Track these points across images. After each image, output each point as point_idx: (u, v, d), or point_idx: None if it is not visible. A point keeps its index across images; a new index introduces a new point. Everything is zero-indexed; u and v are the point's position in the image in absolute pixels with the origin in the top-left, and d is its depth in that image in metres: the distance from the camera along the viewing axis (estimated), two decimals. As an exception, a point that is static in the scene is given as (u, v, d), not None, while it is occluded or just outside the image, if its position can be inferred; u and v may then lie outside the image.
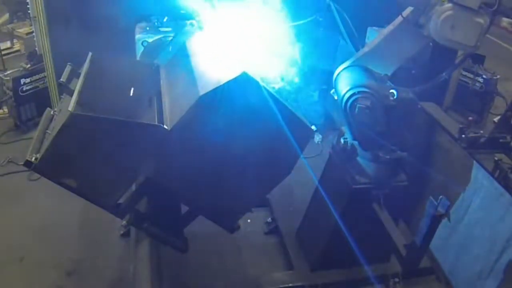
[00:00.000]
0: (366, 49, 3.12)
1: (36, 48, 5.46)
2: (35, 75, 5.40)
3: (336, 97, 3.14)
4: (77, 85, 2.51)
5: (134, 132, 2.34)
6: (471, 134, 3.45)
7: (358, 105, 2.93)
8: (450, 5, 2.60)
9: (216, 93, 2.27)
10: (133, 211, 2.71)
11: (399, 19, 2.87)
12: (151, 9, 4.83)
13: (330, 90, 3.27)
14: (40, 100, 5.38)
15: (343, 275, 3.55)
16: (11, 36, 7.17)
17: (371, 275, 3.43)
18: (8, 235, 3.93)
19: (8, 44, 7.26)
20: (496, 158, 3.23)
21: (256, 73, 2.37)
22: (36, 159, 2.31)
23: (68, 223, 4.08)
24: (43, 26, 4.90)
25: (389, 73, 3.07)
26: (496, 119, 4.97)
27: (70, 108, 2.20)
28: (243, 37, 2.92)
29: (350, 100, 2.96)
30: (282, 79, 2.80)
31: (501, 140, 3.39)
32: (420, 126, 3.89)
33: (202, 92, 2.28)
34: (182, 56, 2.88)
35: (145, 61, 3.98)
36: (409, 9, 2.82)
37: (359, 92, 2.93)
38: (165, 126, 2.37)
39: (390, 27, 2.95)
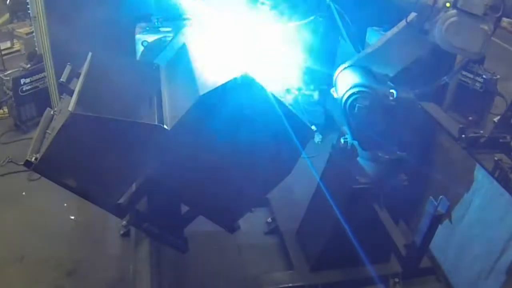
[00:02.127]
0: (368, 50, 3.12)
1: (36, 48, 5.46)
2: (35, 75, 5.40)
3: (336, 95, 3.14)
4: (77, 85, 2.51)
5: (134, 132, 2.34)
6: (471, 134, 3.45)
7: (357, 104, 2.93)
8: (454, 11, 2.60)
9: (216, 93, 2.27)
10: (133, 211, 2.71)
11: (403, 23, 2.86)
12: (151, 9, 4.84)
13: (330, 90, 3.27)
14: (40, 100, 5.38)
15: (343, 275, 3.55)
16: (11, 36, 7.17)
17: (371, 275, 3.43)
18: (8, 235, 3.93)
19: (8, 44, 7.26)
20: (496, 158, 3.23)
21: (256, 73, 2.37)
22: (36, 159, 2.31)
23: (68, 223, 4.08)
24: (43, 26, 4.90)
25: (390, 75, 3.07)
26: (496, 119, 4.96)
27: (70, 108, 2.20)
28: (243, 37, 2.92)
29: (350, 100, 2.96)
30: (287, 90, 2.81)
31: (501, 140, 3.39)
32: (420, 126, 3.89)
33: (202, 92, 2.28)
34: (182, 56, 2.88)
35: (145, 61, 3.98)
36: (413, 14, 2.81)
37: (358, 92, 2.93)
38: (165, 126, 2.37)
39: (395, 29, 2.95)
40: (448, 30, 2.61)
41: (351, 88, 2.97)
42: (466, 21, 2.59)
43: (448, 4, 2.61)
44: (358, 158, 3.24)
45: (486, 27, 2.60)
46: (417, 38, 2.82)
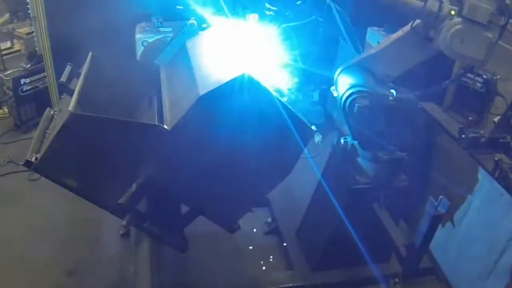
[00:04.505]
0: (371, 51, 3.12)
1: (36, 48, 5.46)
2: (35, 75, 5.39)
3: (335, 94, 3.15)
4: (77, 85, 2.51)
5: (134, 132, 2.35)
6: (471, 134, 3.44)
7: (357, 104, 2.93)
8: (459, 19, 2.60)
9: (216, 93, 2.27)
10: (133, 211, 2.71)
11: (407, 27, 2.87)
12: (151, 9, 4.83)
13: (330, 90, 3.27)
14: (40, 100, 5.37)
15: (343, 275, 3.55)
16: (11, 36, 7.16)
17: (371, 275, 3.43)
18: (8, 235, 3.92)
19: (8, 44, 7.25)
20: (496, 158, 3.23)
21: (256, 73, 2.37)
22: (36, 159, 2.31)
23: (68, 223, 4.08)
24: (43, 26, 4.90)
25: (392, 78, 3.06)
26: (496, 119, 4.96)
27: (70, 108, 2.20)
28: (243, 37, 2.92)
29: (349, 99, 2.96)
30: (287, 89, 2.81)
31: (501, 140, 3.39)
32: (420, 126, 3.89)
33: (202, 92, 2.28)
34: (182, 56, 2.88)
35: (145, 61, 3.98)
36: (418, 20, 2.82)
37: (358, 92, 2.93)
38: (165, 126, 2.37)
39: (399, 33, 2.95)
40: (452, 38, 2.62)
41: (350, 87, 2.97)
42: (470, 29, 2.59)
43: (453, 12, 2.61)
44: (358, 158, 3.24)
45: (490, 35, 2.60)
46: (421, 43, 2.82)
